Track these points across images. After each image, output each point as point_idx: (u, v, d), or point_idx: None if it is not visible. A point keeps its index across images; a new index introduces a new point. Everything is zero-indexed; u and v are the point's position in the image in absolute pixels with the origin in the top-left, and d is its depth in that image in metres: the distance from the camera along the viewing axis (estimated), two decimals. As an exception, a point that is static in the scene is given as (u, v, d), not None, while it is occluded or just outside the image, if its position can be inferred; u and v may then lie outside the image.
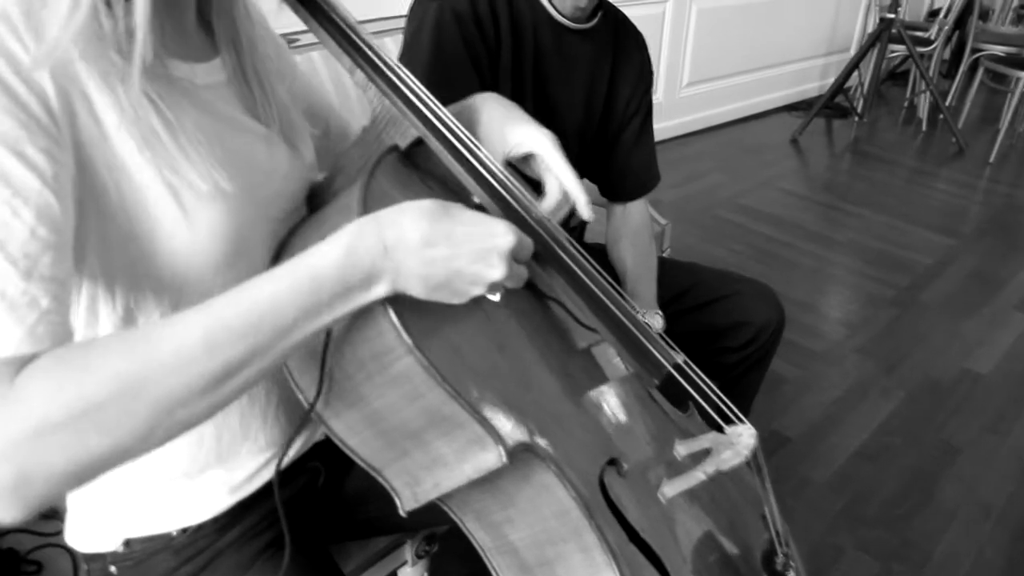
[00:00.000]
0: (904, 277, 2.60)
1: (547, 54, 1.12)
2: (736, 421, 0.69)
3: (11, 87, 0.45)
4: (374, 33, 1.40)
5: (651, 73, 1.30)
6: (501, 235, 0.54)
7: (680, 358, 0.70)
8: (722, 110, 3.95)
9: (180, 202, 0.54)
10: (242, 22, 0.64)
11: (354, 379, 0.56)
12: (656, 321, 1.21)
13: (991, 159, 3.67)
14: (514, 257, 0.55)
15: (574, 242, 0.69)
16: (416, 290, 0.53)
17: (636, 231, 1.33)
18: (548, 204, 0.70)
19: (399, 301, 0.53)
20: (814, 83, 4.44)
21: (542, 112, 1.15)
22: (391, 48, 1.34)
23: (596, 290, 0.66)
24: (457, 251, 0.53)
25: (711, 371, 1.27)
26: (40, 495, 0.43)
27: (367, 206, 0.55)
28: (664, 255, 1.92)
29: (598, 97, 1.21)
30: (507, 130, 0.72)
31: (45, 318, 0.45)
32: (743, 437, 0.67)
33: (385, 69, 0.66)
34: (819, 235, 2.88)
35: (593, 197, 1.42)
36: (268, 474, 0.71)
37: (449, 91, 1.02)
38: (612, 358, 0.73)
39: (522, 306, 0.67)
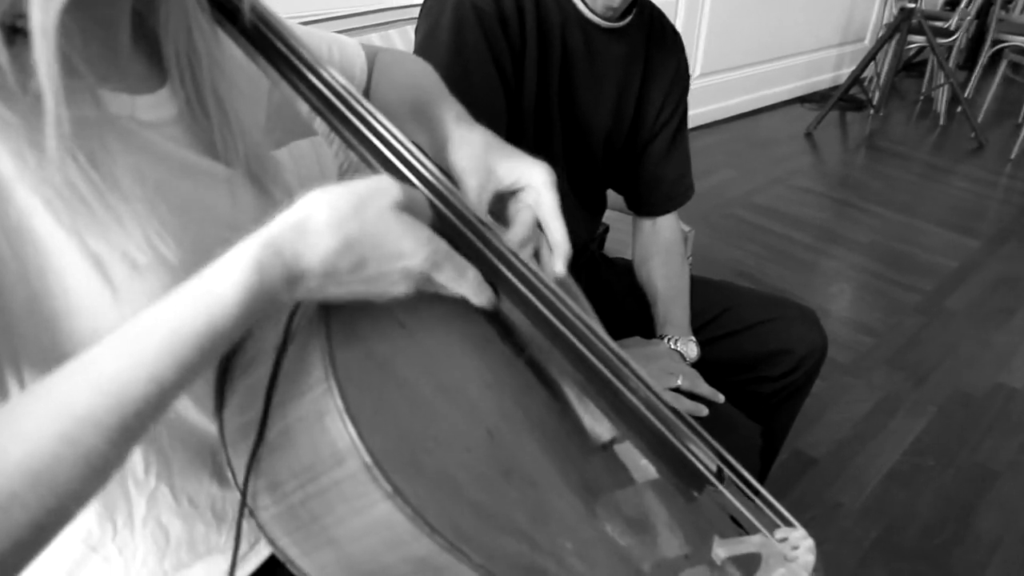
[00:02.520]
0: (928, 281, 2.49)
1: (576, 54, 1.00)
2: (786, 523, 0.58)
3: None
4: (378, 26, 1.29)
5: (687, 76, 1.18)
6: (408, 256, 0.45)
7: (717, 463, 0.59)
8: (734, 102, 3.82)
9: (107, 276, 0.43)
10: (200, 39, 0.51)
11: (322, 521, 0.44)
12: (691, 349, 1.10)
13: (1012, 155, 3.55)
14: (435, 271, 0.47)
15: (576, 312, 0.57)
16: (337, 295, 0.45)
17: (667, 248, 1.21)
18: (514, 235, 0.60)
19: (372, 430, 0.42)
20: (827, 74, 4.31)
21: (568, 116, 1.04)
22: (397, 41, 1.22)
23: (609, 374, 0.56)
24: (360, 275, 0.44)
25: (746, 401, 1.17)
26: None
27: (333, 318, 0.46)
28: (688, 262, 1.81)
29: (628, 101, 1.10)
30: (495, 162, 0.62)
31: None
32: (800, 552, 0.56)
33: (342, 107, 0.55)
34: (838, 235, 2.77)
35: (620, 207, 1.31)
36: (254, 561, 0.60)
37: (469, 93, 0.91)
38: (639, 458, 0.61)
39: (534, 410, 0.56)
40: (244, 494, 0.47)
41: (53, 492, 0.35)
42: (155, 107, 0.50)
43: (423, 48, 0.93)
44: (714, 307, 1.20)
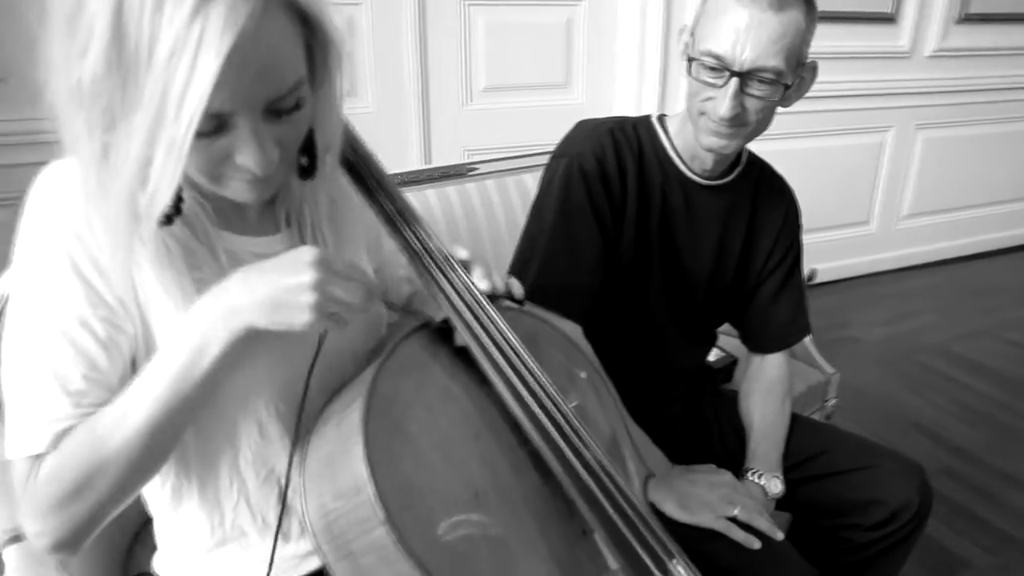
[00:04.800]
0: None
1: (675, 209, 1.16)
2: None
3: (91, 281, 0.64)
4: (523, 169, 1.56)
5: (798, 225, 1.28)
6: (299, 274, 0.60)
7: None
8: (947, 245, 3.63)
9: None
10: (316, 204, 0.75)
11: (345, 536, 0.63)
12: (774, 485, 1.16)
13: None
14: (328, 285, 0.61)
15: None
16: (256, 317, 0.61)
17: (770, 386, 1.28)
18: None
19: (383, 473, 0.60)
20: (1069, 221, 3.94)
21: (667, 260, 1.19)
22: (530, 185, 1.49)
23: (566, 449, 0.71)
24: (275, 299, 0.61)
25: (836, 546, 1.18)
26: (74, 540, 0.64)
27: (374, 393, 0.65)
28: (828, 404, 1.81)
29: (731, 250, 1.22)
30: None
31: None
32: None
33: (422, 252, 0.77)
34: (1047, 399, 2.52)
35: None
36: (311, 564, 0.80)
37: (571, 241, 1.10)
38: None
39: (523, 488, 0.71)
40: (285, 495, 0.68)
41: (129, 453, 0.63)
42: (269, 245, 0.74)
43: (538, 199, 1.15)
44: (811, 448, 1.24)
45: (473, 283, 0.76)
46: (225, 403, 0.71)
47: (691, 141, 1.11)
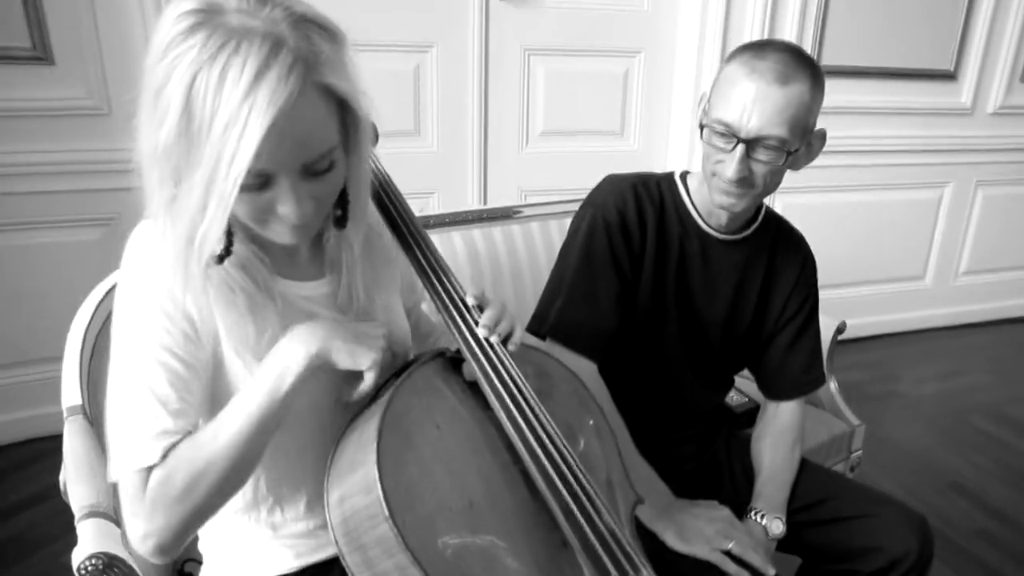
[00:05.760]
0: None
1: (691, 260, 1.25)
2: None
3: (171, 314, 0.76)
4: (566, 213, 1.67)
5: (814, 277, 1.35)
6: (376, 327, 0.82)
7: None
8: (1005, 304, 3.56)
9: (251, 371, 0.80)
10: (348, 255, 0.87)
11: (357, 530, 0.74)
12: (775, 526, 1.21)
13: None
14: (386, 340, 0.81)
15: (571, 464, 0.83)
16: (334, 345, 0.77)
17: (781, 432, 1.34)
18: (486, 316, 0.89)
19: (390, 477, 0.71)
20: None
21: (683, 308, 1.27)
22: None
23: (559, 484, 0.80)
24: (357, 336, 0.79)
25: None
26: (175, 541, 0.75)
27: (390, 410, 0.76)
28: (853, 455, 1.84)
29: (747, 300, 1.30)
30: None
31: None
32: None
33: (437, 283, 0.90)
34: (1101, 469, 2.45)
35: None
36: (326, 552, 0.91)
37: (592, 286, 1.21)
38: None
39: (513, 500, 0.80)
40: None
41: (226, 461, 0.74)
42: (315, 289, 0.87)
43: (566, 244, 1.26)
44: (817, 493, 1.29)
45: (476, 324, 0.87)
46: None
47: (708, 198, 1.20)
